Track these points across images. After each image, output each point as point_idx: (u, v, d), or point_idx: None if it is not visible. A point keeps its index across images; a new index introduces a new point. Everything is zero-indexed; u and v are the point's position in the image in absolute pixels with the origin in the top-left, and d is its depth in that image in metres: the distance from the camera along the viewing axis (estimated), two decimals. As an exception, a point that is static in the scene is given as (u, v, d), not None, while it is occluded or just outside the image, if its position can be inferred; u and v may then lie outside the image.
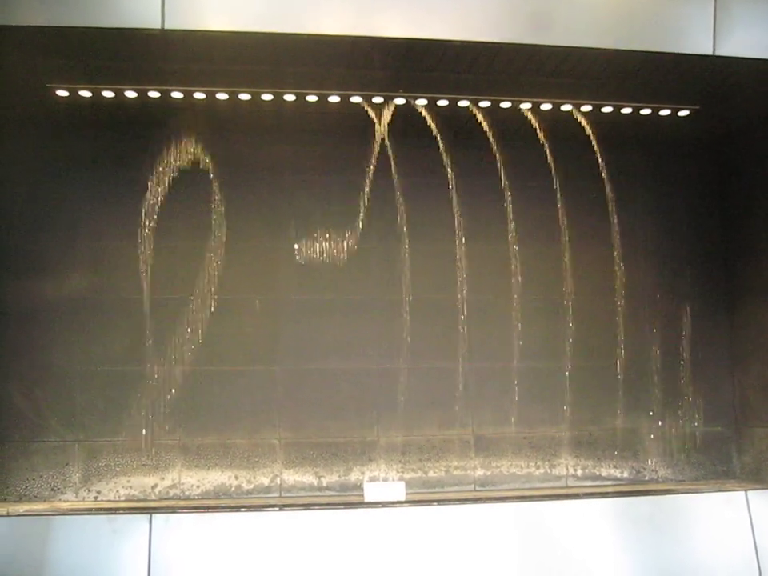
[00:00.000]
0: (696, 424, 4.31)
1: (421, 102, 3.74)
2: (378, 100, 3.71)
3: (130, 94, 3.57)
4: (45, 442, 3.82)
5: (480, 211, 4.23)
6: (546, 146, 4.28)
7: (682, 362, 4.35)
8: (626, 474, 4.21)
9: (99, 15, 3.02)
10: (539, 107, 3.80)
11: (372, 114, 3.83)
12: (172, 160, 3.99)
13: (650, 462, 4.25)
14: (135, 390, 3.90)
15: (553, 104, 3.78)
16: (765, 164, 4.12)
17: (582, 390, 4.24)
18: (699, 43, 3.29)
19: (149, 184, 3.97)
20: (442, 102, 3.75)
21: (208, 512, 3.23)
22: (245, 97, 3.63)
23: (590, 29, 3.26)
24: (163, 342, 3.95)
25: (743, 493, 3.52)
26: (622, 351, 4.32)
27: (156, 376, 3.92)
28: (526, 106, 3.79)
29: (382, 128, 4.00)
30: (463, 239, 4.21)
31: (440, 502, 3.47)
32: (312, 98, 3.66)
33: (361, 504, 3.46)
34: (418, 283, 4.15)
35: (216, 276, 4.02)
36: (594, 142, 4.28)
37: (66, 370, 3.86)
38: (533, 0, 3.25)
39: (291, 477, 3.96)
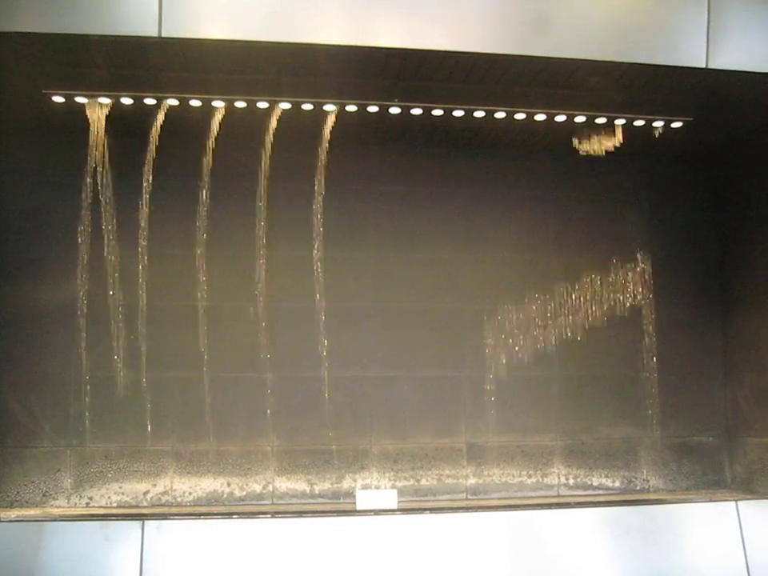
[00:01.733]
0: (688, 434, 4.33)
1: (417, 112, 3.76)
2: (373, 109, 3.72)
3: (127, 101, 3.57)
4: (37, 448, 3.82)
5: (472, 221, 4.26)
6: (539, 156, 4.31)
7: (674, 372, 4.36)
8: (617, 484, 4.22)
9: (96, 22, 3.02)
10: (533, 117, 3.82)
11: (369, 122, 3.86)
12: (167, 167, 3.99)
13: (641, 471, 4.26)
14: (128, 396, 3.90)
15: (547, 115, 3.79)
16: (758, 175, 4.15)
17: (575, 399, 4.25)
18: (692, 56, 3.31)
19: (144, 191, 3.97)
20: (437, 112, 3.76)
21: (200, 519, 3.23)
22: (241, 105, 3.64)
23: (585, 41, 3.28)
24: (157, 349, 3.95)
25: (734, 503, 3.53)
26: (615, 360, 4.34)
27: (149, 382, 3.92)
28: (520, 117, 3.81)
29: (377, 137, 4.03)
30: (461, 249, 4.23)
31: (432, 510, 3.48)
32: (307, 107, 3.68)
33: (353, 512, 3.46)
34: (414, 292, 4.17)
35: (210, 283, 4.02)
36: (588, 153, 4.31)
37: (60, 376, 3.86)
38: (528, 12, 3.27)
39: (284, 484, 3.96)
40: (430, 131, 4.02)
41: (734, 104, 3.73)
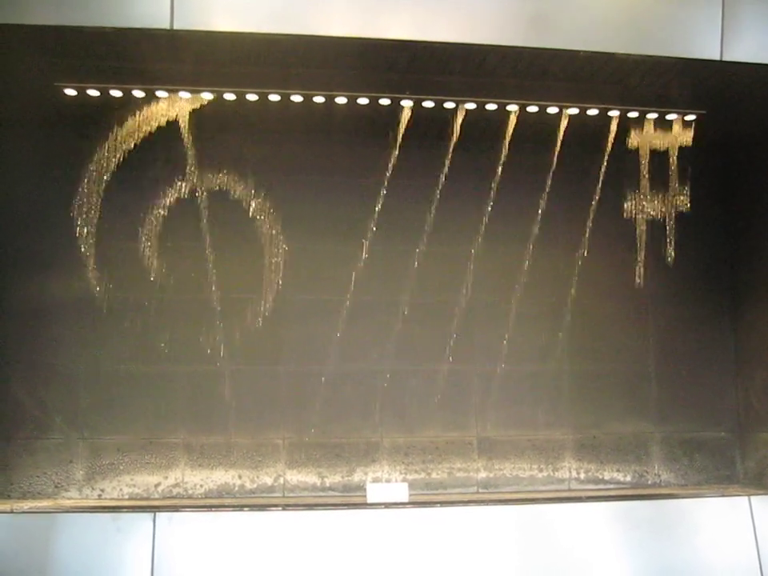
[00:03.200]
0: (699, 429, 4.31)
1: (428, 104, 3.75)
2: (384, 102, 3.71)
3: (138, 94, 3.57)
4: (49, 440, 3.84)
5: (481, 214, 4.24)
6: (551, 148, 4.29)
7: (685, 367, 4.35)
8: (629, 478, 4.21)
9: (108, 15, 3.03)
10: (545, 110, 3.80)
11: (379, 115, 3.85)
12: (178, 160, 4.00)
13: (653, 466, 4.25)
14: (139, 389, 3.91)
15: (559, 108, 3.78)
16: (769, 169, 4.14)
17: (586, 393, 4.24)
18: (706, 48, 3.29)
19: (154, 184, 3.98)
20: (449, 105, 3.75)
21: (211, 511, 3.23)
22: (252, 97, 3.64)
23: (597, 32, 3.27)
24: (167, 342, 3.96)
25: (746, 498, 3.52)
26: (626, 355, 4.33)
27: (160, 375, 3.93)
28: (532, 109, 3.79)
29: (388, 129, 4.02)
30: (467, 242, 4.22)
31: (443, 503, 3.47)
32: (319, 99, 3.67)
33: (363, 505, 3.47)
34: (424, 285, 4.16)
35: (220, 276, 4.03)
36: (598, 145, 4.29)
37: (71, 369, 3.88)
38: (539, 3, 3.26)
39: (294, 477, 3.96)
40: (439, 125, 4.01)
41: (747, 97, 3.71)
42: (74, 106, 3.67)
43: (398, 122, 3.89)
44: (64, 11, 3.01)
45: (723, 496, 3.67)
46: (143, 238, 3.99)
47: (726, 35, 3.28)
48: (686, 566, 3.36)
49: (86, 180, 3.97)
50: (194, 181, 4.02)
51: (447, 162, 4.21)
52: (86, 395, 3.88)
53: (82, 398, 3.87)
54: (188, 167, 3.99)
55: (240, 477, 3.93)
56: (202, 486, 3.90)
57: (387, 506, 3.38)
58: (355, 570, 3.15)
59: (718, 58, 3.29)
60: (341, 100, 3.68)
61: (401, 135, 3.96)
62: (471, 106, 3.76)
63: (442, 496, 3.96)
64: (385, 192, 4.13)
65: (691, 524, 3.44)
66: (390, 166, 4.13)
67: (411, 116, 3.84)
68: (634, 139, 4.18)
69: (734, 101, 3.76)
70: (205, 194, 4.04)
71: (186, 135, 3.87)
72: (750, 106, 3.81)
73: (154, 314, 3.97)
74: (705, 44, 3.29)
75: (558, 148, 4.28)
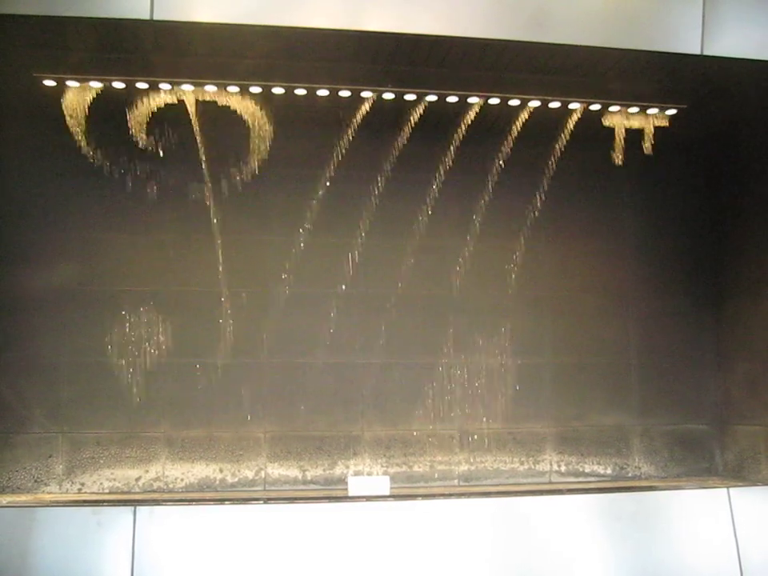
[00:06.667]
0: (680, 421, 4.34)
1: (409, 97, 3.74)
2: (366, 94, 3.70)
3: (118, 85, 3.55)
4: (29, 434, 3.81)
5: (468, 208, 4.25)
6: (533, 142, 4.29)
7: (667, 360, 4.37)
8: (609, 471, 4.24)
9: (88, 5, 3.00)
10: (527, 104, 3.80)
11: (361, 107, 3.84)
12: (160, 152, 3.97)
13: (633, 458, 4.27)
14: (120, 382, 3.89)
15: (541, 101, 3.78)
16: (751, 163, 4.15)
17: (567, 386, 4.26)
18: (687, 43, 3.30)
19: (137, 176, 3.95)
20: (431, 98, 3.75)
21: (192, 505, 3.23)
22: (233, 89, 3.62)
23: (579, 27, 3.27)
24: (148, 334, 3.94)
25: (725, 490, 3.54)
26: (608, 348, 4.34)
27: (141, 368, 3.91)
28: (514, 103, 3.80)
29: (369, 122, 4.01)
30: (453, 237, 4.22)
31: (424, 496, 3.48)
32: (300, 92, 3.66)
33: (345, 498, 3.47)
34: (407, 278, 4.16)
35: (203, 269, 4.01)
36: (581, 139, 4.30)
37: (52, 362, 3.85)
38: (521, -3, 3.26)
39: (276, 470, 3.96)
40: (422, 117, 4.00)
41: (728, 91, 3.73)
42: (50, 97, 3.64)
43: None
44: (43, 1, 2.98)
45: (703, 488, 3.70)
46: (124, 231, 3.96)
47: (706, 30, 3.29)
48: (665, 557, 3.39)
49: (67, 171, 3.95)
50: (178, 173, 3.99)
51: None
52: (67, 388, 3.85)
53: (63, 392, 3.85)
54: (166, 160, 3.97)
55: (221, 470, 3.92)
56: (182, 479, 3.89)
57: (369, 499, 3.39)
58: (337, 563, 3.15)
59: (698, 52, 3.30)
60: (323, 92, 3.67)
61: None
62: (453, 99, 3.76)
63: (423, 489, 3.97)
64: (365, 184, 4.12)
65: (671, 516, 3.47)
66: (375, 158, 4.13)
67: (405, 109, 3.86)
68: (618, 131, 4.20)
69: (715, 95, 3.77)
70: (187, 186, 4.02)
71: (167, 128, 3.86)
72: (730, 100, 3.82)
73: (135, 307, 3.95)
74: (686, 38, 3.30)
75: (539, 142, 4.31)
